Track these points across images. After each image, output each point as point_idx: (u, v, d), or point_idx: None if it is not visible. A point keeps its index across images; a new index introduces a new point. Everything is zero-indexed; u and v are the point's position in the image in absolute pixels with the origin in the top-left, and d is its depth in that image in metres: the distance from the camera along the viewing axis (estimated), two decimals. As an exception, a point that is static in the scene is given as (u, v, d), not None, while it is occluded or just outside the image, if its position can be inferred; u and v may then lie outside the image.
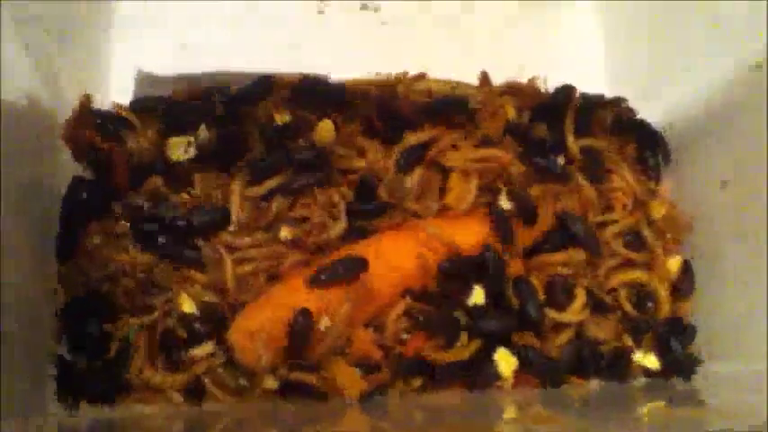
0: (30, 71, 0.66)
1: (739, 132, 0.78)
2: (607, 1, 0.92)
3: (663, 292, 0.79)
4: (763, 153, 0.74)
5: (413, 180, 0.74)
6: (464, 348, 0.72)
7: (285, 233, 0.71)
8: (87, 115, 0.72)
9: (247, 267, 0.71)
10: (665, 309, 0.79)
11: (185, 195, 0.72)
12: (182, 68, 0.75)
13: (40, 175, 0.70)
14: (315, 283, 0.69)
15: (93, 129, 0.71)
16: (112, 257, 0.70)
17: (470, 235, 0.73)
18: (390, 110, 0.74)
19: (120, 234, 0.71)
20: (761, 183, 0.74)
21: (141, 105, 0.73)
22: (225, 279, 0.70)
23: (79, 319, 0.70)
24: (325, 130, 0.72)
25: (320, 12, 0.78)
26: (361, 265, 0.69)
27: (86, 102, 0.72)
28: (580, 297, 0.75)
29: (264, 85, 0.74)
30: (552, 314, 0.74)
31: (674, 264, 0.82)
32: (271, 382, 0.68)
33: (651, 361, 0.77)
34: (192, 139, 0.71)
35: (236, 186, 0.71)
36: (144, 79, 0.76)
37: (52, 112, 0.71)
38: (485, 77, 0.79)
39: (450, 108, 0.75)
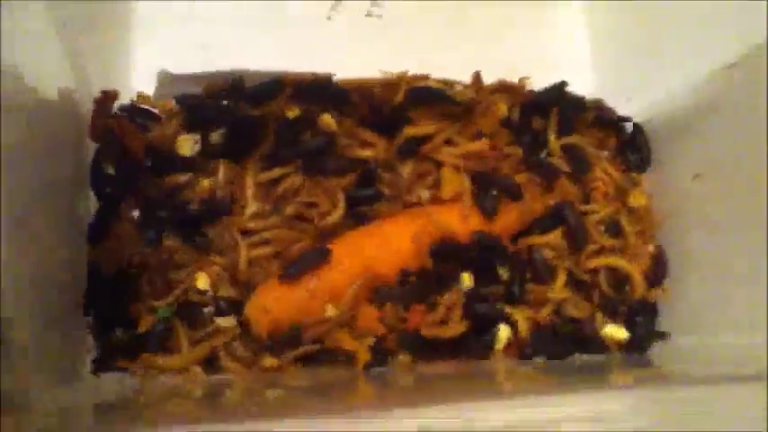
0: (64, 71, 0.73)
1: (712, 129, 0.84)
2: (593, 1, 0.98)
3: (637, 276, 0.86)
4: (734, 148, 0.82)
5: (407, 171, 0.81)
6: (458, 325, 0.79)
7: (290, 210, 0.78)
8: (105, 108, 0.79)
9: (260, 251, 0.78)
10: (639, 291, 0.86)
11: (205, 182, 0.79)
12: (200, 67, 0.81)
13: (70, 169, 0.77)
14: (285, 278, 0.75)
15: (112, 120, 0.78)
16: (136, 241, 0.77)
17: (463, 220, 0.80)
18: (389, 105, 0.81)
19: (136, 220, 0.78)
20: (731, 176, 0.81)
21: (183, 101, 0.80)
22: (239, 261, 0.77)
23: (106, 297, 0.77)
24: (325, 122, 0.79)
25: (328, 17, 0.85)
26: (322, 256, 0.76)
27: (105, 97, 0.78)
28: (561, 276, 0.83)
29: (277, 84, 0.81)
30: (536, 289, 0.81)
31: (649, 251, 0.89)
32: (270, 361, 0.75)
33: (621, 332, 0.83)
34: (198, 137, 0.78)
35: (250, 173, 0.78)
36: (165, 78, 0.82)
37: (83, 109, 0.78)
38: (476, 77, 0.86)
39: (430, 97, 0.82)
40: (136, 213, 0.77)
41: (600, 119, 0.93)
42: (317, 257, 0.76)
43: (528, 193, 0.84)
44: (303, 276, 0.75)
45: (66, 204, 0.75)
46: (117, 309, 0.75)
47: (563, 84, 0.90)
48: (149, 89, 0.82)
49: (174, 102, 0.80)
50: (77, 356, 0.73)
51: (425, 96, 0.82)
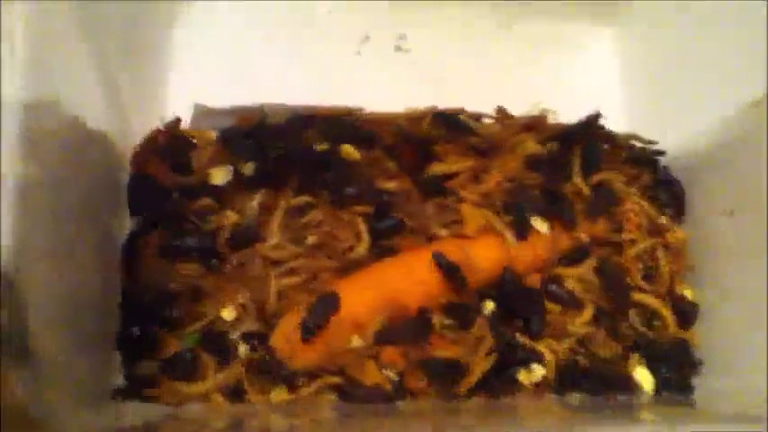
0: (103, 101, 0.76)
1: (743, 164, 0.83)
2: (625, 32, 0.98)
3: (670, 319, 0.85)
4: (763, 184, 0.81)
5: (430, 206, 0.82)
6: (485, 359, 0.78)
7: (312, 241, 0.79)
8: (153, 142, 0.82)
9: (287, 281, 0.79)
10: (671, 331, 0.84)
11: (231, 214, 0.80)
12: (233, 100, 0.84)
13: (105, 196, 0.79)
14: (306, 335, 0.74)
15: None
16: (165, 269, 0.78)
17: (488, 253, 0.80)
18: (416, 137, 0.82)
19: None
20: (763, 212, 0.80)
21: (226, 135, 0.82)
22: (267, 292, 0.78)
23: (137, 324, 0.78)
24: (346, 152, 0.81)
25: (357, 52, 0.87)
26: (333, 303, 0.75)
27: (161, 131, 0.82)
28: (588, 311, 0.82)
29: (306, 119, 0.83)
30: (555, 321, 0.81)
31: (686, 292, 0.87)
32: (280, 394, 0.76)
33: (647, 379, 0.82)
34: (230, 167, 0.80)
35: (281, 204, 0.80)
36: (201, 111, 0.85)
37: (121, 141, 0.81)
38: (501, 111, 0.87)
39: (452, 124, 0.83)
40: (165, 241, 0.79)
41: (632, 155, 0.92)
42: (329, 305, 0.76)
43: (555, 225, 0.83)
44: (323, 327, 0.75)
45: (102, 230, 0.77)
46: (147, 336, 0.76)
47: (597, 116, 0.89)
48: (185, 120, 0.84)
49: (212, 132, 0.83)
50: (105, 381, 0.75)
51: (447, 123, 0.83)
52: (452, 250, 0.79)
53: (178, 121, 0.82)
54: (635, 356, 0.83)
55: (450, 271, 0.78)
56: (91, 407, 0.68)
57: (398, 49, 0.88)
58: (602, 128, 0.90)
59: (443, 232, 0.81)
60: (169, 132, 0.81)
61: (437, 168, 0.83)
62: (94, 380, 0.72)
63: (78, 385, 0.66)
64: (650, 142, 0.92)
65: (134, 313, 0.78)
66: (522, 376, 0.78)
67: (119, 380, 0.76)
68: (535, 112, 0.89)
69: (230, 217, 0.80)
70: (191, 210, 0.80)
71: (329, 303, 0.76)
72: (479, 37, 0.91)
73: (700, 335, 0.86)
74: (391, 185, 0.82)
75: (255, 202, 0.80)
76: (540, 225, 0.82)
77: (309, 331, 0.74)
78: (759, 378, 0.77)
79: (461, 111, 0.85)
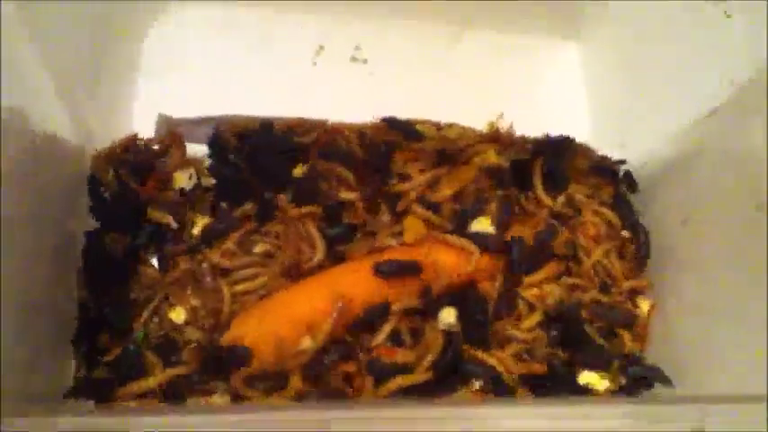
0: (62, 114, 0.78)
1: (698, 174, 0.84)
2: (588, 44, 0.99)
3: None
4: (717, 194, 0.81)
5: (385, 217, 0.83)
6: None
7: (259, 249, 0.81)
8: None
9: (241, 287, 0.80)
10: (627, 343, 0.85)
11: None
12: (194, 112, 0.86)
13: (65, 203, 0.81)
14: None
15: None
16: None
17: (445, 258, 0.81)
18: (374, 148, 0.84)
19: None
20: (716, 221, 0.81)
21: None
22: (221, 301, 0.79)
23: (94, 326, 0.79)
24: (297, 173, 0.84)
25: (314, 63, 0.89)
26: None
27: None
28: (535, 316, 0.82)
29: (267, 128, 0.85)
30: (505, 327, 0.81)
31: (644, 305, 0.88)
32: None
33: (599, 382, 0.81)
34: (193, 171, 0.82)
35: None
36: (163, 121, 0.87)
37: (81, 152, 0.83)
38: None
39: (401, 128, 0.85)
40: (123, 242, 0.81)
41: (595, 167, 0.93)
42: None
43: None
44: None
45: (60, 234, 0.79)
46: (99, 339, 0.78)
47: (569, 139, 0.90)
48: (147, 130, 0.87)
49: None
50: (58, 384, 0.76)
51: (399, 129, 0.84)
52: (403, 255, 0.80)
53: (134, 136, 0.84)
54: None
55: (401, 271, 0.79)
56: (40, 408, 0.69)
57: (354, 59, 0.90)
58: (573, 143, 0.91)
59: (392, 241, 0.82)
60: (129, 141, 0.83)
61: (397, 188, 0.85)
62: (46, 382, 0.73)
63: (26, 386, 0.68)
64: (618, 162, 0.93)
65: (90, 317, 0.79)
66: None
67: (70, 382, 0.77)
68: (496, 123, 0.90)
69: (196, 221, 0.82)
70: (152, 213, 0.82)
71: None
72: (440, 45, 0.92)
73: (656, 344, 0.86)
74: (350, 196, 0.84)
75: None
76: (483, 225, 0.83)
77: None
78: (715, 387, 0.78)
79: (419, 121, 0.86)
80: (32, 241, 0.72)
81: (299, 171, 0.84)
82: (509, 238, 0.84)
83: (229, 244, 0.81)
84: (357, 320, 0.78)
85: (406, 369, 0.76)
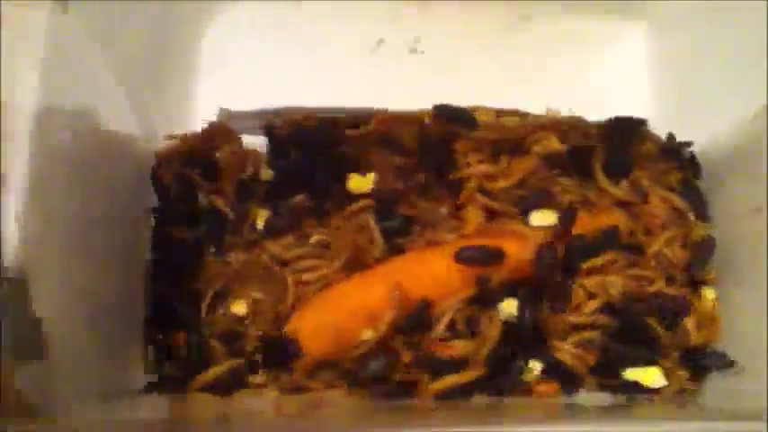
0: (129, 114, 0.81)
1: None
2: (659, 22, 0.96)
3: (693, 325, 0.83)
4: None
5: (445, 209, 0.83)
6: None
7: (318, 241, 0.82)
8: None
9: (303, 277, 0.81)
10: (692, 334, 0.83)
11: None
12: (254, 105, 0.87)
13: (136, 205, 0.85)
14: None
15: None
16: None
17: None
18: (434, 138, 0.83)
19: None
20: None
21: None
22: (285, 291, 0.81)
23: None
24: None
25: (372, 56, 0.89)
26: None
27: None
28: (595, 303, 0.81)
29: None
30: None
31: (708, 294, 0.86)
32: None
33: (654, 378, 0.80)
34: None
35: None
36: (225, 115, 0.88)
37: (148, 150, 0.85)
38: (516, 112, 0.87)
39: (453, 116, 0.83)
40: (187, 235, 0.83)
41: (662, 150, 0.90)
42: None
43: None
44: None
45: (126, 231, 0.82)
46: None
47: (637, 121, 0.87)
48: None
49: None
50: (126, 379, 0.79)
51: (449, 113, 0.83)
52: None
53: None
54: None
55: (485, 259, 0.78)
56: (106, 402, 0.72)
57: (413, 51, 0.89)
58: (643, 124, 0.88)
59: (450, 235, 0.82)
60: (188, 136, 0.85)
61: (462, 173, 0.84)
62: (113, 377, 0.77)
63: (93, 381, 0.71)
64: (686, 143, 0.90)
65: (160, 313, 0.82)
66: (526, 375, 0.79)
67: (141, 377, 0.80)
68: (561, 112, 0.89)
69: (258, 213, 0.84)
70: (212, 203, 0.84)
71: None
72: (496, 35, 0.91)
73: (721, 334, 0.84)
74: (408, 185, 0.84)
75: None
76: (544, 218, 0.82)
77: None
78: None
79: (476, 108, 0.85)
80: (103, 239, 0.75)
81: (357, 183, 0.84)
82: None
83: (290, 237, 0.82)
84: (407, 320, 0.78)
85: (461, 363, 0.77)
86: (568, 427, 0.68)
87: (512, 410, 0.75)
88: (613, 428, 0.65)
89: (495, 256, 0.78)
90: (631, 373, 0.79)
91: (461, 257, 0.78)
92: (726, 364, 0.81)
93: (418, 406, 0.77)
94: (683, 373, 0.82)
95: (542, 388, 0.79)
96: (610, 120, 0.88)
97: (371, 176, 0.83)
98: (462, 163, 0.85)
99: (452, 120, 0.83)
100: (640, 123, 0.88)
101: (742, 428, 0.62)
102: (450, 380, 0.77)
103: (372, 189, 0.83)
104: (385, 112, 0.85)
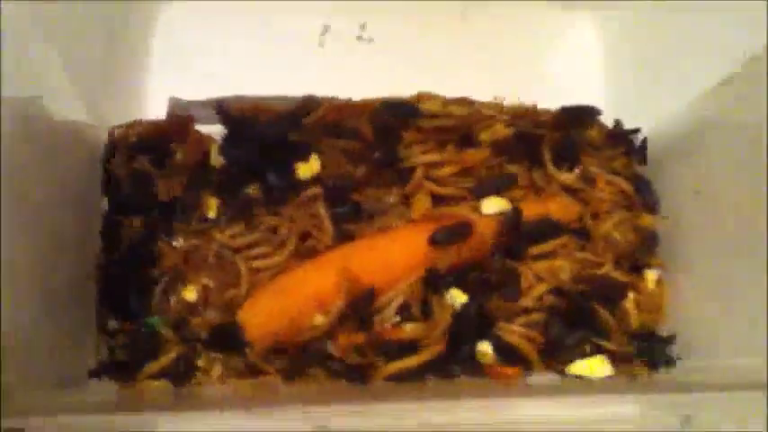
0: (75, 100, 0.80)
1: (711, 145, 0.83)
2: (605, 11, 0.96)
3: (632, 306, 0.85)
4: (731, 165, 0.80)
5: (394, 197, 0.84)
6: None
7: (269, 229, 0.82)
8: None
9: (255, 264, 0.82)
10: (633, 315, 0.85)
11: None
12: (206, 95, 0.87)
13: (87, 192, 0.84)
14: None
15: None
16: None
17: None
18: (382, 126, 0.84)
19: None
20: (728, 191, 0.80)
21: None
22: (238, 278, 0.81)
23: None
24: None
25: (320, 44, 0.90)
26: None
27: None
28: (542, 287, 0.83)
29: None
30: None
31: (650, 276, 0.88)
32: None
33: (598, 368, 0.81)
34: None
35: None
36: (174, 105, 0.88)
37: (97, 138, 0.85)
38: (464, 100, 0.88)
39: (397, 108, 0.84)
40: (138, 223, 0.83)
41: (609, 136, 0.92)
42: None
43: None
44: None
45: (79, 217, 0.82)
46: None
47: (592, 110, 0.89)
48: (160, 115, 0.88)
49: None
50: (79, 365, 0.79)
51: (395, 108, 0.84)
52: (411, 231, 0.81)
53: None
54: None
55: (455, 237, 0.80)
56: (60, 387, 0.72)
57: (360, 38, 0.90)
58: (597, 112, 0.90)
59: (398, 220, 0.83)
60: (138, 124, 0.85)
61: (418, 160, 0.85)
62: (67, 363, 0.76)
63: (46, 368, 0.71)
64: (633, 130, 0.92)
65: (112, 301, 0.82)
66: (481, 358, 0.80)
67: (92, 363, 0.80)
68: (508, 99, 0.90)
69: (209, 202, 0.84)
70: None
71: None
72: (446, 21, 0.91)
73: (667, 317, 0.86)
74: (358, 173, 0.85)
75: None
76: (497, 204, 0.84)
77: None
78: (727, 358, 0.78)
79: (424, 96, 0.86)
80: (53, 226, 0.75)
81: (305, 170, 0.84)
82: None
83: (241, 224, 0.82)
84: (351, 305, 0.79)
85: (412, 346, 0.78)
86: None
87: (462, 387, 0.76)
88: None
89: (465, 229, 0.80)
90: (576, 367, 0.81)
91: (436, 241, 0.80)
92: (667, 340, 0.84)
93: (371, 389, 0.78)
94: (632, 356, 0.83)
95: (502, 371, 0.80)
96: (563, 108, 0.90)
97: (315, 160, 0.83)
98: (409, 152, 0.85)
99: (396, 112, 0.84)
100: (595, 112, 0.90)
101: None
102: (403, 363, 0.78)
103: (320, 175, 0.83)
104: (333, 100, 0.86)
